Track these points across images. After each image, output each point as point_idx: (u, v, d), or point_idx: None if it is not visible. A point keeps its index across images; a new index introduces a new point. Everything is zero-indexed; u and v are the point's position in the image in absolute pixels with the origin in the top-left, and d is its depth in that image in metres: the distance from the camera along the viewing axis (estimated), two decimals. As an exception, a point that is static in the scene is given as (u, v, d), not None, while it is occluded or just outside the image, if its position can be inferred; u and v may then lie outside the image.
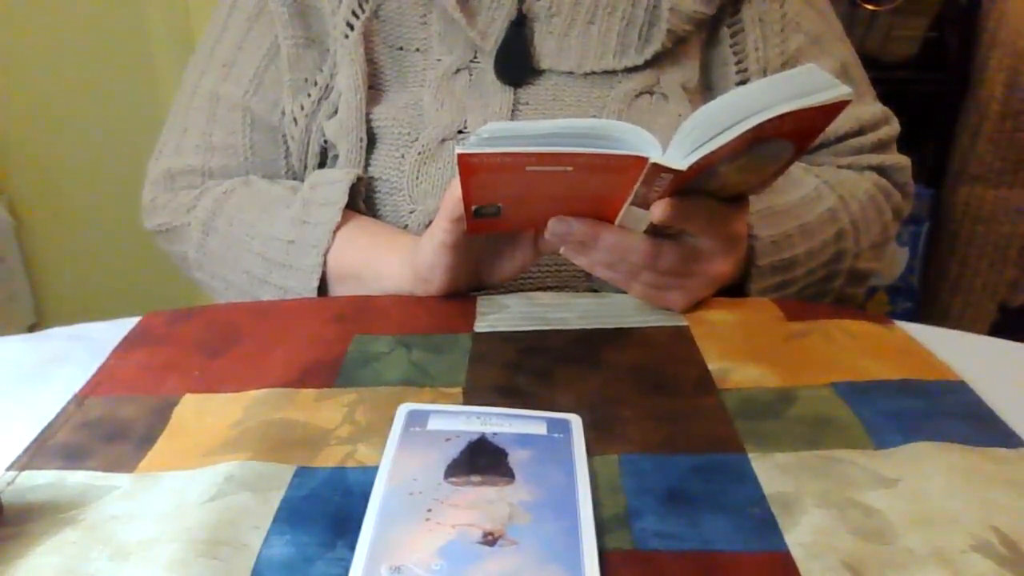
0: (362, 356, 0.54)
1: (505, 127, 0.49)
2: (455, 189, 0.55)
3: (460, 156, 0.49)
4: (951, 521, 0.39)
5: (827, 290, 0.73)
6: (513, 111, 0.70)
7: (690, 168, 0.48)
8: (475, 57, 0.72)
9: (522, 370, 0.52)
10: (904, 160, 0.78)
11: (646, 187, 0.51)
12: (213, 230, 0.73)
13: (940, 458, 0.43)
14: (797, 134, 0.51)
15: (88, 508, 0.41)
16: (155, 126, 0.82)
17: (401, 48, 0.73)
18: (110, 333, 0.58)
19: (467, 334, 0.57)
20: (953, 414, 0.47)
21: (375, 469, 0.42)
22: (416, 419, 0.46)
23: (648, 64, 0.70)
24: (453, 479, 0.41)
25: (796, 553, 0.37)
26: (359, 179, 0.70)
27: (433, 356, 0.54)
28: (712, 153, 0.48)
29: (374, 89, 0.72)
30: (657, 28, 0.69)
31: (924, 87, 1.56)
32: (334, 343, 0.56)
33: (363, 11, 0.71)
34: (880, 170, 0.77)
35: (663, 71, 0.71)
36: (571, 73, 0.70)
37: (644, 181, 0.50)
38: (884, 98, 0.79)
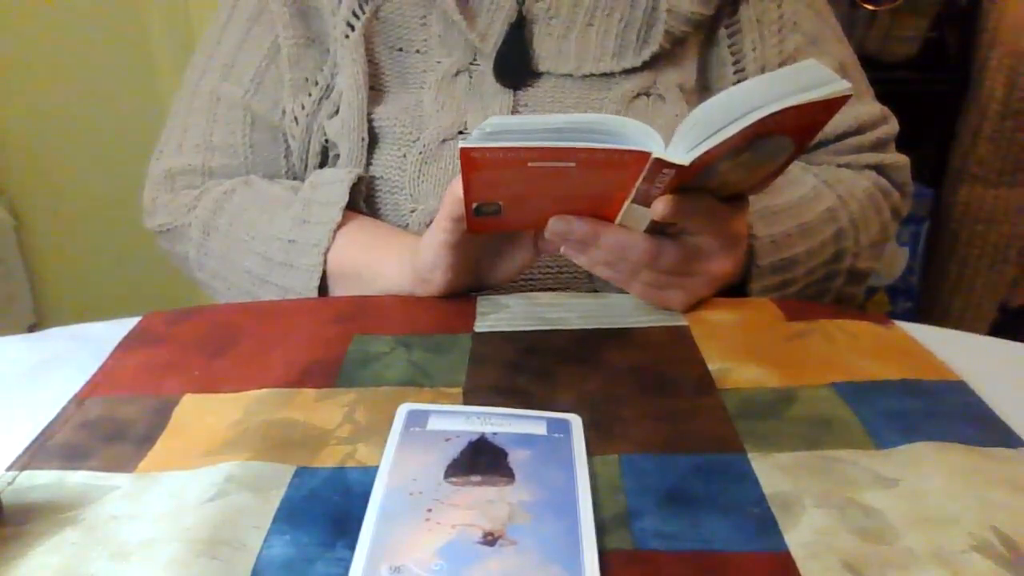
0: (362, 356, 0.54)
1: (508, 121, 0.49)
2: (456, 188, 0.55)
3: (463, 150, 0.48)
4: (951, 521, 0.39)
5: (827, 289, 0.73)
6: (512, 113, 0.70)
7: (692, 164, 0.48)
8: (474, 59, 0.72)
9: (522, 370, 0.52)
10: (903, 159, 0.78)
11: (647, 184, 0.51)
12: (214, 230, 0.73)
13: (940, 458, 0.43)
14: (797, 130, 0.51)
15: (88, 508, 0.41)
16: (155, 126, 0.82)
17: (401, 49, 0.73)
18: (110, 333, 0.58)
19: (467, 334, 0.57)
20: (953, 414, 0.47)
21: (375, 469, 0.42)
22: (416, 419, 0.46)
23: (646, 65, 0.70)
24: (453, 479, 0.41)
25: (796, 553, 0.37)
26: (360, 178, 0.70)
27: (433, 356, 0.54)
28: (714, 149, 0.48)
29: (375, 90, 0.72)
30: (655, 29, 0.69)
31: (924, 87, 1.56)
32: (334, 343, 0.56)
33: (363, 12, 0.71)
34: (879, 169, 0.77)
35: (660, 72, 0.71)
36: (569, 75, 0.70)
37: (646, 177, 0.50)
38: (884, 98, 0.79)
